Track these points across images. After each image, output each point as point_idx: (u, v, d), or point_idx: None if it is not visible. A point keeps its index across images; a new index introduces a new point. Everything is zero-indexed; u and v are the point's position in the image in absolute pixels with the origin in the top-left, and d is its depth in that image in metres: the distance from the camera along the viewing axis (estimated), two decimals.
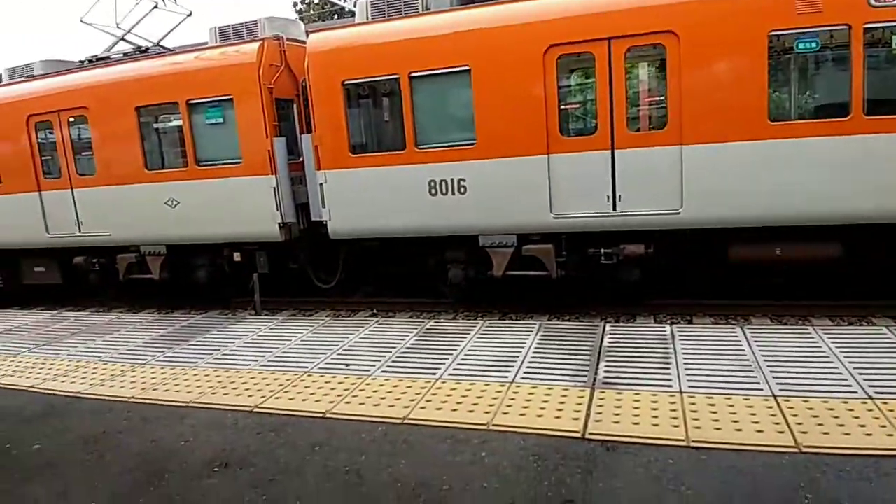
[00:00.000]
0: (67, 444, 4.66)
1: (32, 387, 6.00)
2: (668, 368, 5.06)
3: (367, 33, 8.56)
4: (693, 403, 4.35)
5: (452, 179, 8.19)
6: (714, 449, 3.73)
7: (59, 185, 10.60)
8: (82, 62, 10.89)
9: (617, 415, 4.27)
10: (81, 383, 5.96)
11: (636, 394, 4.60)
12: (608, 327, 6.28)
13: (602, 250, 8.02)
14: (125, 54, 10.56)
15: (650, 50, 7.43)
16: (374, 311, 9.67)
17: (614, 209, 7.62)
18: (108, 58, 10.67)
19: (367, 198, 8.62)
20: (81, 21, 10.51)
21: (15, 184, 10.94)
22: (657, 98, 7.59)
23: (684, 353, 5.36)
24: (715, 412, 4.18)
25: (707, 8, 7.02)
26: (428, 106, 8.37)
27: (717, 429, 3.94)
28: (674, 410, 4.27)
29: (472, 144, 8.04)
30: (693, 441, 3.83)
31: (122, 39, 10.80)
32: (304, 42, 9.07)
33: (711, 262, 7.89)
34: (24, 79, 11.11)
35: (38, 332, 8.23)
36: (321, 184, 8.79)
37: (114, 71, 10.04)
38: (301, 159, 9.31)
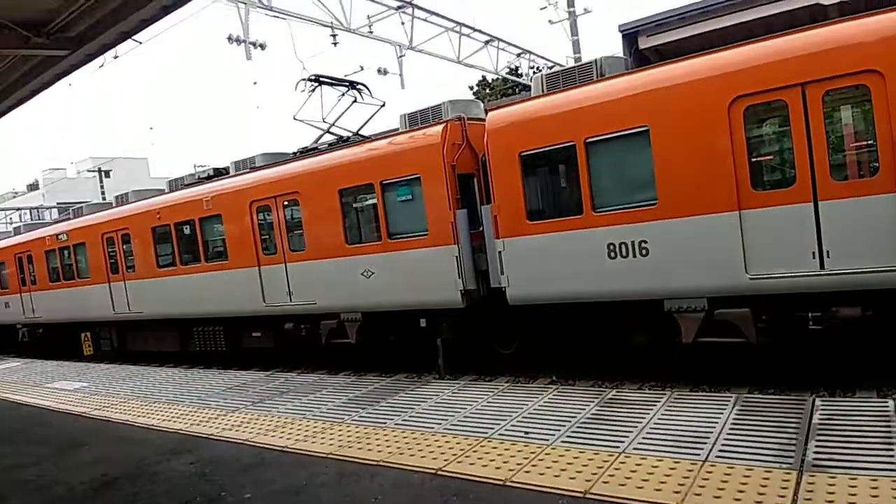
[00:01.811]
0: (274, 493, 5.15)
1: (248, 440, 6.76)
2: (891, 449, 4.35)
3: (542, 105, 8.85)
4: None
5: (633, 242, 7.96)
6: None
7: (274, 261, 12.10)
8: (294, 153, 12.55)
9: (830, 502, 3.72)
10: (288, 438, 6.58)
11: (852, 479, 3.99)
12: (819, 402, 5.54)
13: (810, 314, 7.18)
14: (329, 144, 11.98)
15: (852, 91, 6.74)
16: (554, 378, 9.51)
17: (822, 267, 6.83)
18: (315, 148, 12.18)
19: (545, 263, 8.67)
20: (294, 118, 12.19)
21: (240, 260, 12.70)
22: (865, 143, 6.81)
23: None
24: None
25: None
26: (604, 169, 8.32)
27: None
28: None
29: (653, 204, 7.80)
30: None
31: (328, 132, 12.28)
32: (483, 120, 9.61)
33: None
34: (247, 170, 13.03)
35: (255, 390, 9.29)
36: (499, 251, 9.04)
37: (320, 159, 11.41)
38: (481, 229, 9.70)
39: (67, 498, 5.69)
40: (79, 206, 19.08)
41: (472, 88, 35.19)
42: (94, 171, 41.56)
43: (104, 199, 31.11)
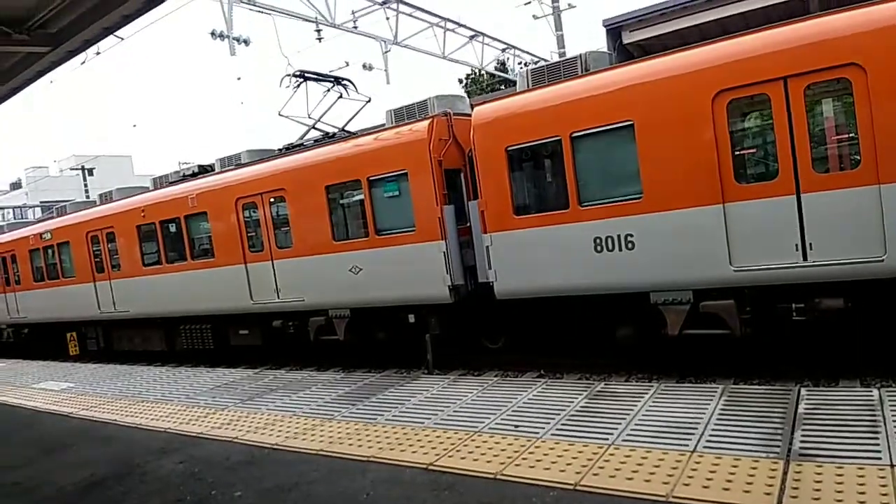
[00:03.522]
0: (265, 491, 5.15)
1: (237, 438, 6.74)
2: (876, 438, 4.42)
3: (527, 100, 8.88)
4: None
5: (619, 235, 8.02)
6: None
7: (261, 258, 12.05)
8: (280, 150, 12.49)
9: (817, 490, 3.79)
10: (278, 435, 6.58)
11: (838, 467, 4.06)
12: (804, 392, 5.62)
13: (794, 305, 7.29)
14: (315, 140, 11.94)
15: (833, 84, 6.83)
16: (542, 372, 9.57)
17: (805, 259, 6.93)
18: (301, 144, 12.13)
19: (532, 258, 8.72)
20: (279, 114, 12.13)
21: (226, 258, 12.63)
22: (846, 136, 6.90)
23: None
24: None
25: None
26: (590, 164, 8.38)
27: None
28: (883, 486, 3.73)
29: (638, 198, 7.86)
30: None
31: (313, 128, 12.23)
32: (469, 115, 9.62)
33: None
34: (233, 167, 12.96)
35: (243, 388, 9.26)
36: (487, 246, 9.08)
37: (306, 156, 11.37)
38: (468, 224, 9.73)
39: (56, 499, 5.65)
40: (62, 204, 18.87)
41: (461, 82, 35.22)
42: (77, 169, 41.04)
43: (88, 197, 30.75)
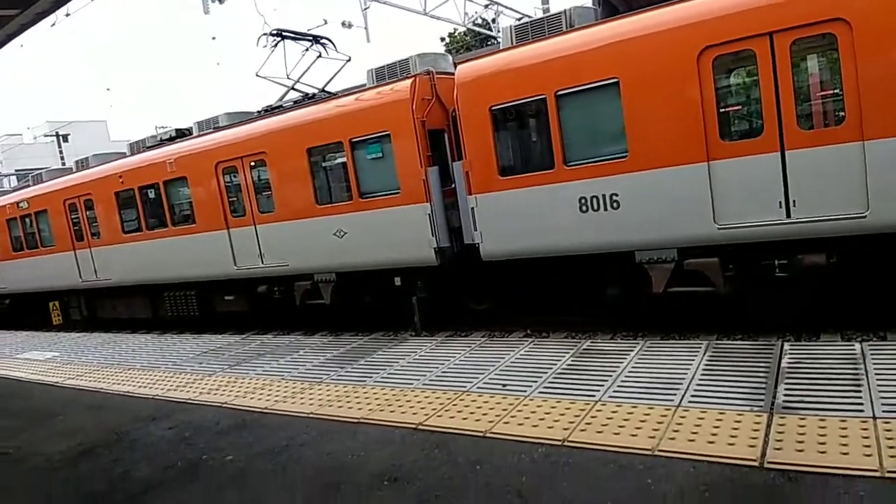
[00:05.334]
0: (255, 455, 5.18)
1: (225, 403, 6.76)
2: (858, 391, 4.52)
3: (511, 57, 8.72)
4: (889, 430, 3.85)
5: (604, 195, 8.01)
6: None
7: (243, 223, 11.90)
8: (259, 112, 12.23)
9: (800, 442, 3.88)
10: (267, 400, 6.60)
11: (821, 419, 4.15)
12: (787, 346, 5.72)
13: (776, 262, 7.37)
14: (295, 102, 11.69)
15: (819, 40, 6.78)
16: (529, 332, 9.66)
17: (788, 216, 6.98)
18: (280, 106, 11.88)
19: (518, 219, 8.69)
20: (256, 75, 11.82)
21: (208, 223, 12.47)
22: (831, 92, 6.88)
23: (878, 374, 4.75)
24: None
25: None
26: (575, 123, 8.30)
27: None
28: (866, 437, 3.81)
29: (623, 157, 7.83)
30: (888, 471, 3.40)
31: (292, 89, 11.96)
32: (452, 74, 9.45)
33: None
34: (211, 130, 12.69)
35: (230, 353, 9.25)
36: (472, 208, 9.03)
37: (286, 118, 11.14)
38: (453, 185, 9.65)
39: (45, 468, 5.64)
40: (38, 172, 18.43)
41: (443, 40, 34.55)
42: (51, 135, 40.03)
43: (64, 164, 30.07)
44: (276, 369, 7.85)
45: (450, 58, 10.95)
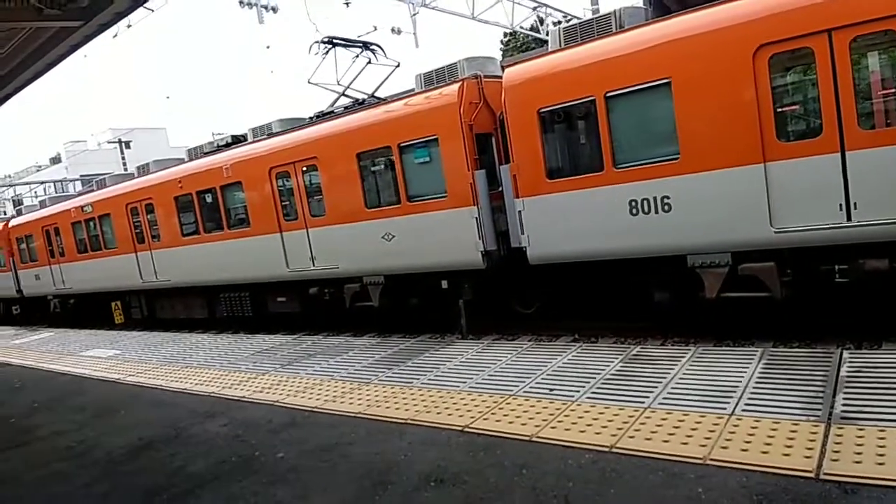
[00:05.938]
0: (306, 452, 5.30)
1: (277, 401, 6.93)
2: None
3: (559, 60, 8.67)
4: None
5: (655, 198, 7.87)
6: None
7: (295, 227, 12.18)
8: (311, 118, 12.49)
9: (858, 453, 3.73)
10: (317, 399, 6.74)
11: (881, 430, 3.99)
12: (846, 355, 5.50)
13: (836, 267, 7.09)
14: (345, 107, 11.89)
15: (880, 37, 6.49)
16: (576, 336, 9.56)
17: (849, 219, 6.71)
18: (331, 112, 12.11)
19: (566, 222, 8.62)
20: (308, 82, 12.09)
21: (262, 227, 12.80)
22: (893, 90, 6.59)
23: None
24: None
25: None
26: (625, 124, 8.18)
27: None
28: None
29: (675, 159, 7.67)
30: None
31: (343, 95, 12.18)
32: (500, 77, 9.44)
33: None
34: (265, 136, 13.03)
35: (282, 353, 9.48)
36: (519, 211, 9.00)
37: (336, 123, 11.36)
38: (500, 189, 9.64)
39: (106, 461, 5.91)
40: (102, 177, 19.31)
41: (502, 42, 34.67)
42: (114, 142, 41.80)
43: (126, 169, 31.39)
44: (326, 369, 8.01)
45: (497, 61, 10.96)
